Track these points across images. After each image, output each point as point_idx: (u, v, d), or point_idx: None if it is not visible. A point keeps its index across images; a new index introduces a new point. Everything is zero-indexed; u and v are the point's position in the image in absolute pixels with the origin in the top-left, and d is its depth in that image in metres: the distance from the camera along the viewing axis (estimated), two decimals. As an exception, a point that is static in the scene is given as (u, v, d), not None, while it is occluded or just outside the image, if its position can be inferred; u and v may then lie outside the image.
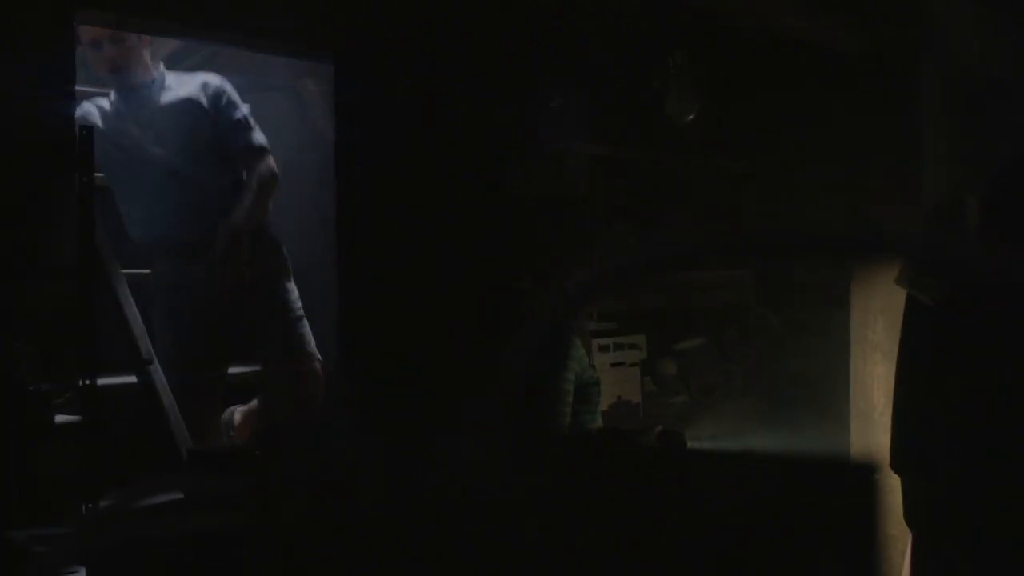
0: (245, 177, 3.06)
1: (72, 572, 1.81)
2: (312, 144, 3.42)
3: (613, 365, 3.38)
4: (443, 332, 2.26)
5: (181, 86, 3.07)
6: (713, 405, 3.65)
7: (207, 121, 3.04)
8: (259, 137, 3.08)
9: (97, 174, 2.55)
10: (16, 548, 2.00)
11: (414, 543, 1.17)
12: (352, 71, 2.47)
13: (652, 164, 3.59)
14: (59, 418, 2.25)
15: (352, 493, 1.19)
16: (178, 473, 2.33)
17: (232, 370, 3.17)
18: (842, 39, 3.50)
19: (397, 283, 2.33)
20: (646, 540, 1.08)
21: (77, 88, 2.52)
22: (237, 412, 3.21)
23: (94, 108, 3.02)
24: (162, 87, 3.06)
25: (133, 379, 2.74)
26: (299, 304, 3.13)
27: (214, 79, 3.07)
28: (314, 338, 3.14)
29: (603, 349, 3.36)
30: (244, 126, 3.06)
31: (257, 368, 3.19)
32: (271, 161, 3.07)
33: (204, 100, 3.04)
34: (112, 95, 3.07)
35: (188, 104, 3.04)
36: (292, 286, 3.14)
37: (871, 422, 3.53)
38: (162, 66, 3.11)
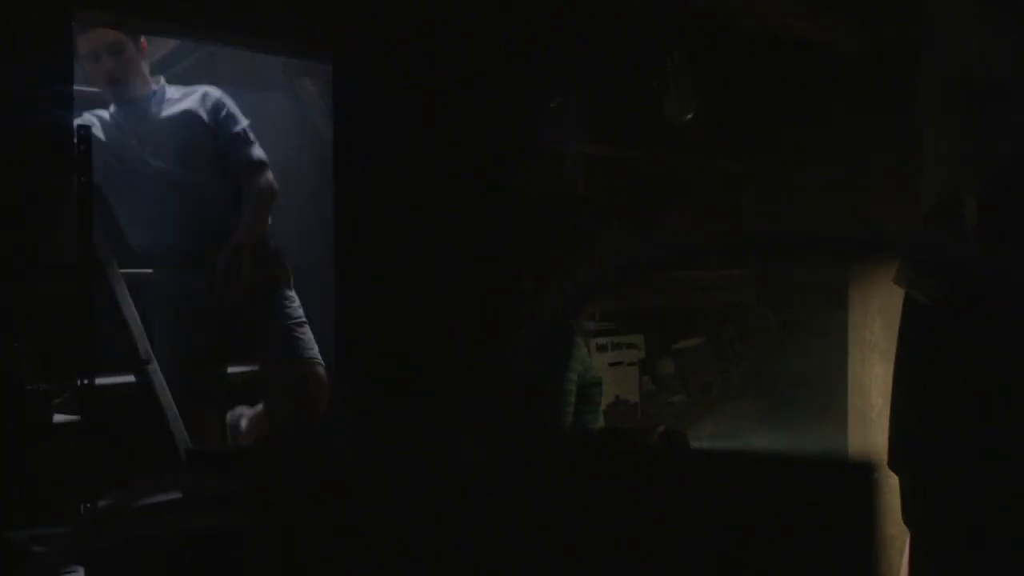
0: (244, 191, 3.07)
1: (71, 572, 1.81)
2: (310, 143, 3.42)
3: (611, 365, 3.39)
4: (443, 332, 2.26)
5: (181, 99, 3.08)
6: (711, 404, 3.66)
7: (207, 133, 3.06)
8: (258, 152, 3.09)
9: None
10: (15, 547, 2.00)
11: (414, 543, 1.17)
12: (351, 71, 2.47)
13: (652, 164, 3.59)
14: (58, 418, 2.25)
15: (352, 493, 1.19)
16: (177, 473, 2.33)
17: (232, 369, 3.17)
18: (842, 39, 3.50)
19: (397, 283, 2.33)
20: (646, 540, 1.08)
21: (76, 88, 2.52)
22: (244, 418, 3.21)
23: (94, 119, 3.02)
24: (162, 100, 3.07)
25: (132, 379, 2.74)
26: (300, 310, 3.15)
27: (214, 91, 3.09)
28: (315, 340, 3.15)
29: (601, 349, 3.37)
30: (243, 140, 3.07)
31: (257, 368, 3.19)
32: (270, 176, 3.09)
33: (204, 112, 3.05)
34: (112, 107, 3.08)
35: (187, 116, 3.05)
36: (292, 293, 3.16)
37: (869, 422, 3.54)
38: (162, 79, 3.12)
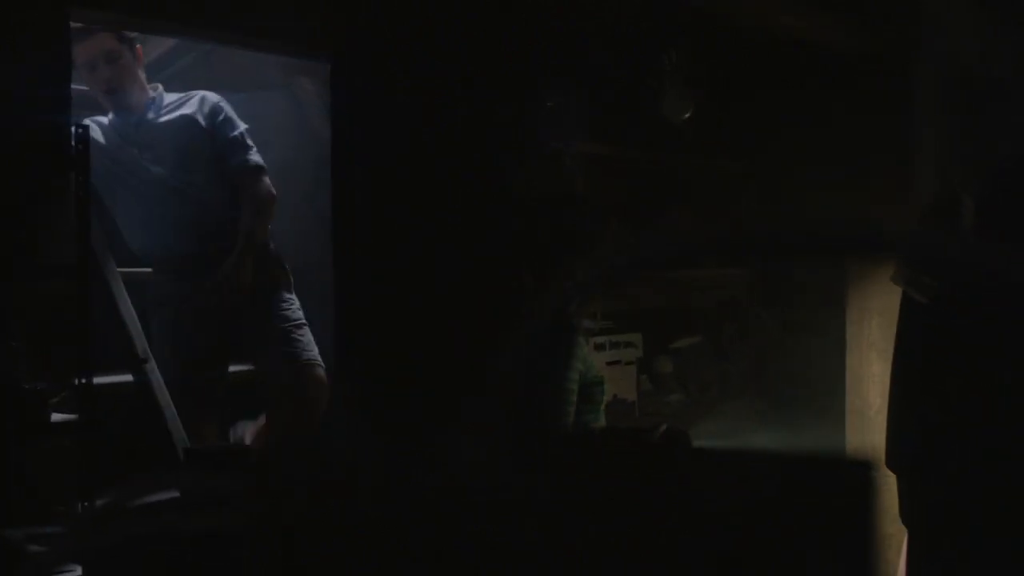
0: (240, 194, 3.07)
1: (69, 571, 1.81)
2: (307, 143, 3.42)
3: (609, 363, 3.39)
4: (443, 332, 2.26)
5: (178, 104, 3.09)
6: (709, 404, 3.66)
7: (204, 137, 3.06)
8: (255, 157, 3.09)
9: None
10: (12, 547, 2.00)
11: (414, 543, 1.17)
12: (351, 70, 2.47)
13: (651, 164, 3.59)
14: (55, 417, 2.25)
15: (352, 493, 1.19)
16: (175, 472, 2.33)
17: (232, 369, 3.17)
18: (841, 39, 3.50)
19: (396, 283, 2.33)
20: (646, 539, 1.08)
21: (74, 88, 2.51)
22: (248, 433, 3.21)
23: (94, 125, 3.02)
24: (160, 106, 3.08)
25: (129, 378, 2.74)
26: (299, 312, 3.16)
27: (211, 96, 3.09)
28: (315, 340, 3.15)
29: (599, 347, 3.37)
30: (241, 144, 3.07)
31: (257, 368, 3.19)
32: (267, 181, 3.09)
33: (201, 117, 3.06)
34: (110, 115, 3.08)
35: (185, 120, 3.05)
36: (292, 295, 3.17)
37: (867, 421, 3.54)
38: (160, 87, 3.12)
